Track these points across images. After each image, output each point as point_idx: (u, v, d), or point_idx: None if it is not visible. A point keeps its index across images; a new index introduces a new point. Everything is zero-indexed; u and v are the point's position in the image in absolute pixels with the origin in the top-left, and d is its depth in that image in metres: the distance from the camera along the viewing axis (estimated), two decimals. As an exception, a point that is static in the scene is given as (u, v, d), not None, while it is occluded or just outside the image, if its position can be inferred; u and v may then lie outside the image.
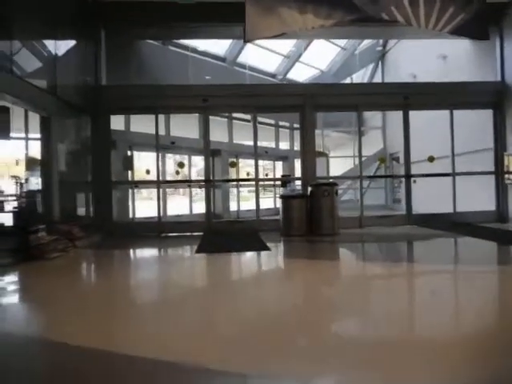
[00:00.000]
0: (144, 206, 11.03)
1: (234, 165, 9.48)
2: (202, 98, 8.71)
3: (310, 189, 8.20)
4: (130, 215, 10.33)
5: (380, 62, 16.33)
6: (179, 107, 8.94)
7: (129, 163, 8.85)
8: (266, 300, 3.70)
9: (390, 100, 9.03)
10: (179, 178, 11.56)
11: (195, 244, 6.98)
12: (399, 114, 9.14)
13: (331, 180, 9.42)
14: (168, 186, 10.90)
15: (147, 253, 6.89)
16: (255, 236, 7.89)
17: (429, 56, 12.53)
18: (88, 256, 6.42)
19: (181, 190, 14.08)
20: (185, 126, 12.42)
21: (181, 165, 8.80)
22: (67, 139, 8.33)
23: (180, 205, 13.21)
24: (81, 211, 8.25)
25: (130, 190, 10.63)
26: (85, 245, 6.97)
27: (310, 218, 7.96)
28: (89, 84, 8.73)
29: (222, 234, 8.32)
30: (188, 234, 8.58)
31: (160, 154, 11.69)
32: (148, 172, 10.24)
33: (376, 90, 9.16)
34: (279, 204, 8.22)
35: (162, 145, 11.11)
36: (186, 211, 12.66)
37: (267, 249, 6.17)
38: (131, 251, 6.77)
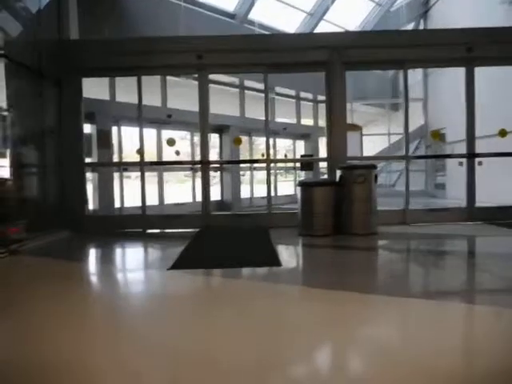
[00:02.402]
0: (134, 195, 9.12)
1: (238, 142, 7.39)
2: (195, 53, 6.64)
3: (338, 173, 6.08)
4: (114, 206, 8.47)
5: (422, 20, 13.69)
6: (167, 66, 6.88)
7: (105, 140, 6.91)
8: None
9: (447, 53, 6.68)
10: (179, 159, 9.63)
11: (180, 247, 5.06)
12: (446, 82, 6.82)
13: (366, 162, 7.25)
14: (151, 168, 8.91)
15: (98, 267, 4.68)
16: (264, 236, 5.87)
17: (488, 5, 9.97)
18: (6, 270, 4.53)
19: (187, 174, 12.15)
20: (186, 97, 10.35)
21: (170, 142, 6.79)
22: (19, 112, 6.48)
23: (183, 192, 11.30)
24: (35, 203, 6.43)
25: (117, 175, 8.78)
26: (30, 249, 5.15)
27: (337, 213, 5.88)
28: (53, 39, 6.80)
29: (221, 233, 6.35)
30: (181, 230, 6.66)
31: (155, 130, 9.85)
32: (140, 153, 8.35)
33: (429, 40, 6.80)
34: (298, 192, 6.15)
35: (155, 119, 9.21)
36: (189, 199, 10.76)
37: (276, 262, 4.15)
38: (78, 263, 4.69)
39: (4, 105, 6.71)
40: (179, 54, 6.65)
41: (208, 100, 6.90)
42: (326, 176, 11.13)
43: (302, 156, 11.38)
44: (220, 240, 5.80)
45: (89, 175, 8.31)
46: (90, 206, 7.90)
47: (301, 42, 6.81)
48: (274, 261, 4.24)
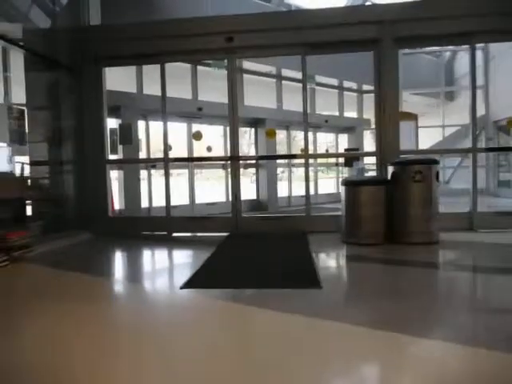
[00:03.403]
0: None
1: (271, 134, 6.56)
2: (224, 35, 5.87)
3: (390, 169, 5.10)
4: (141, 206, 7.91)
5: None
6: (193, 51, 6.15)
7: (126, 135, 6.32)
8: None
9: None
10: (211, 155, 8.95)
11: (204, 257, 4.33)
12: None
13: (423, 156, 6.18)
14: (181, 165, 8.27)
15: (100, 281, 3.92)
16: (302, 243, 5.02)
17: None
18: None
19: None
20: (218, 89, 9.66)
21: (197, 136, 6.07)
22: (37, 106, 6.03)
23: (217, 190, 10.62)
24: (53, 203, 5.96)
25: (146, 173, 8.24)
26: (39, 255, 4.62)
27: (389, 217, 4.92)
28: (72, 26, 6.29)
29: (251, 239, 5.56)
30: (209, 234, 5.95)
31: (185, 124, 9.23)
32: (170, 148, 7.76)
33: (502, 8, 5.60)
34: (342, 192, 5.24)
35: (185, 112, 8.57)
36: (222, 199, 10.08)
37: (315, 283, 3.29)
38: (81, 275, 3.99)
39: (22, 99, 6.35)
40: (206, 36, 5.91)
41: (237, 88, 6.12)
42: (369, 173, 10.08)
43: (346, 150, 10.31)
44: (249, 248, 5.01)
45: (114, 173, 7.83)
46: (115, 206, 7.39)
47: (344, 16, 5.83)
48: (313, 280, 3.37)
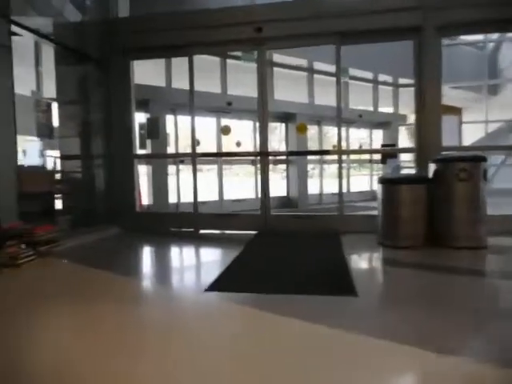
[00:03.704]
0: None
1: (302, 129, 6.26)
2: (253, 25, 5.63)
3: (432, 167, 4.72)
4: (169, 201, 7.81)
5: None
6: (221, 43, 5.93)
7: (153, 129, 6.20)
8: None
9: None
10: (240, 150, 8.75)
11: (231, 256, 4.14)
12: None
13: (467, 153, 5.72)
14: (205, 160, 8.08)
15: (129, 282, 3.56)
16: (335, 245, 4.73)
17: None
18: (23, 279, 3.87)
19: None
20: (248, 83, 9.45)
21: (225, 130, 5.88)
22: (66, 100, 6.02)
23: (247, 187, 10.42)
24: (82, 197, 5.92)
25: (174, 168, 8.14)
26: (68, 249, 4.56)
27: (431, 218, 4.54)
28: (100, 18, 6.22)
29: (281, 238, 5.31)
30: (237, 231, 5.75)
31: (214, 119, 9.06)
32: (198, 143, 7.62)
33: None
34: (378, 190, 4.90)
35: (214, 107, 8.40)
36: (251, 195, 9.88)
37: (350, 290, 3.01)
38: (101, 272, 3.80)
39: (52, 93, 6.36)
40: (235, 27, 5.69)
41: (267, 82, 5.86)
42: (403, 171, 9.59)
43: (383, 146, 9.81)
44: (278, 248, 4.76)
45: (142, 168, 7.77)
46: (143, 201, 7.33)
47: (382, 2, 5.45)
48: (348, 287, 3.09)
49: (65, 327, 2.51)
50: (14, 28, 4.86)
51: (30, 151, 6.36)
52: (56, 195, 5.78)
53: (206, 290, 3.10)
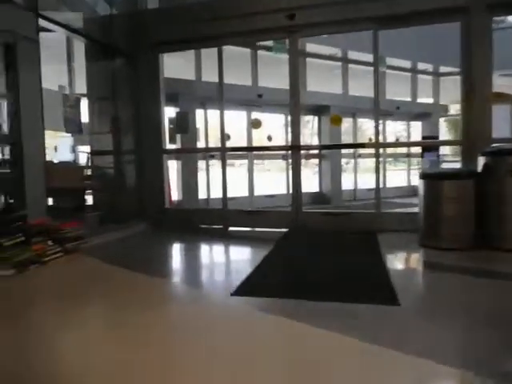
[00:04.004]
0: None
1: (337, 121, 5.92)
2: (285, 12, 5.34)
3: (481, 160, 4.29)
4: (198, 197, 7.69)
5: None
6: (252, 32, 5.68)
7: (182, 124, 6.05)
8: None
9: None
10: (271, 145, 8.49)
11: (260, 255, 3.93)
12: None
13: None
14: (235, 155, 7.87)
15: (155, 282, 3.31)
16: (371, 245, 4.41)
17: None
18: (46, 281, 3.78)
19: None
20: (279, 75, 9.18)
21: (256, 124, 5.65)
22: (94, 95, 5.98)
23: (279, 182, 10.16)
24: (111, 193, 5.87)
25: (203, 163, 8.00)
26: (95, 246, 4.50)
27: (479, 217, 4.13)
28: (128, 11, 6.13)
29: (313, 237, 5.04)
30: (267, 229, 5.53)
31: (245, 113, 8.85)
32: (228, 137, 7.46)
33: None
34: (420, 186, 4.53)
35: (245, 100, 8.18)
36: (282, 191, 9.63)
37: (391, 297, 2.71)
38: (134, 272, 3.62)
39: (83, 88, 6.35)
40: (266, 14, 5.42)
41: (299, 72, 5.57)
42: (443, 165, 9.02)
43: (424, 138, 9.25)
44: (310, 248, 4.49)
45: (172, 163, 7.68)
46: (173, 197, 7.25)
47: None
48: (388, 294, 2.80)
49: (97, 336, 2.38)
50: (45, 24, 4.84)
51: (61, 147, 6.41)
52: (86, 191, 5.78)
53: (233, 294, 2.89)
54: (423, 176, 4.40)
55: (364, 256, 4.01)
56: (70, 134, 6.34)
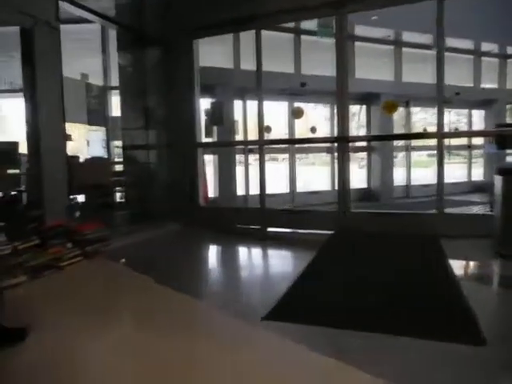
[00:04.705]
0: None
1: (390, 108, 5.18)
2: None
3: None
4: (236, 194, 7.19)
5: None
6: (293, 10, 5.04)
7: (217, 115, 5.56)
8: None
9: None
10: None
11: (300, 265, 3.35)
12: None
13: None
14: (276, 148, 7.24)
15: (175, 298, 2.82)
16: (434, 253, 3.69)
17: None
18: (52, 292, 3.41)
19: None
20: (324, 62, 8.46)
21: (297, 113, 5.08)
22: (126, 87, 5.64)
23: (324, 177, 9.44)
24: (140, 190, 5.51)
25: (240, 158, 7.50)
26: (120, 248, 4.13)
27: None
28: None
29: (362, 243, 4.37)
30: (310, 231, 4.92)
31: (286, 103, 8.23)
32: (267, 129, 6.92)
33: None
34: (497, 184, 3.74)
35: (286, 89, 7.57)
36: (327, 187, 8.94)
37: (473, 333, 2.05)
38: (155, 283, 3.16)
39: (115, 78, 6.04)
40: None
41: (347, 57, 4.88)
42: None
43: (497, 126, 8.09)
44: (360, 257, 3.83)
45: (208, 158, 7.25)
46: (209, 194, 6.81)
47: None
48: (468, 328, 2.13)
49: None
50: (74, 10, 4.52)
51: (93, 141, 6.14)
52: (114, 188, 5.46)
53: (264, 319, 2.34)
54: (503, 171, 3.60)
55: (427, 268, 3.30)
56: (102, 128, 6.07)
